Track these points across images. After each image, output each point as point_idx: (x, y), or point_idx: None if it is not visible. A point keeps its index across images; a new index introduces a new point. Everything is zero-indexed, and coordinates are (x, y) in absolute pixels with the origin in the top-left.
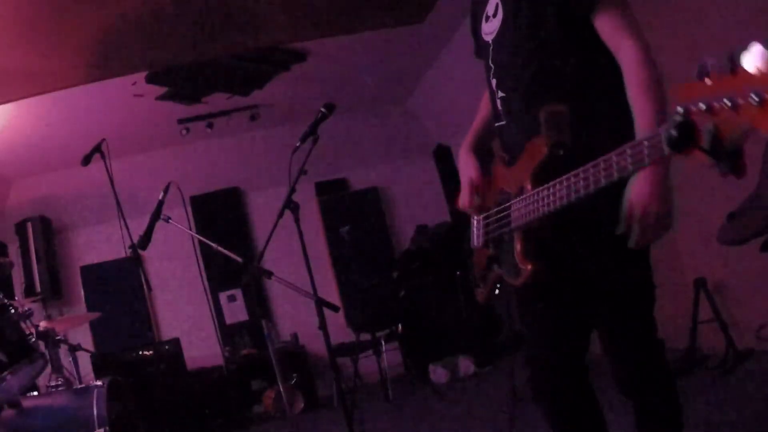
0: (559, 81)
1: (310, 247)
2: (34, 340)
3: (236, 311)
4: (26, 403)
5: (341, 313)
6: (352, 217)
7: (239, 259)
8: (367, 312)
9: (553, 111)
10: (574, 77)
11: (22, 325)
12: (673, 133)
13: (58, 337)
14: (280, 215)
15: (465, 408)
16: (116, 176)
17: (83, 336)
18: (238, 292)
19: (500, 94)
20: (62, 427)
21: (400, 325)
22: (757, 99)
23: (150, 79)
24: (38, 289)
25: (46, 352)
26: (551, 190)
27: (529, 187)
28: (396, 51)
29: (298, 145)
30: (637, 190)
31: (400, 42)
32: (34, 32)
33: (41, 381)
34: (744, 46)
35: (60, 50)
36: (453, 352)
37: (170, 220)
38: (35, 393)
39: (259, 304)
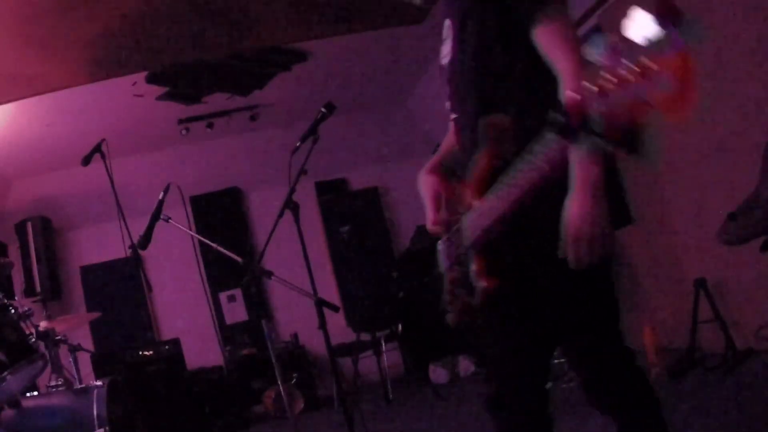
0: (503, 99)
1: (310, 247)
2: (34, 340)
3: (236, 311)
4: (26, 403)
5: (341, 313)
6: (352, 217)
7: (239, 259)
8: (367, 312)
9: (492, 122)
10: (518, 93)
11: (22, 325)
12: (559, 118)
13: (58, 337)
14: (280, 215)
15: (465, 408)
16: (116, 176)
17: (83, 336)
18: (238, 292)
19: (453, 115)
20: (62, 427)
21: (400, 325)
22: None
23: (150, 79)
24: (38, 289)
25: (46, 352)
26: (487, 203)
27: (475, 203)
28: (396, 51)
29: (298, 145)
30: (568, 212)
31: (400, 42)
32: (34, 32)
33: (41, 381)
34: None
35: (60, 50)
36: (453, 352)
37: (170, 220)
38: (35, 393)
39: (259, 304)
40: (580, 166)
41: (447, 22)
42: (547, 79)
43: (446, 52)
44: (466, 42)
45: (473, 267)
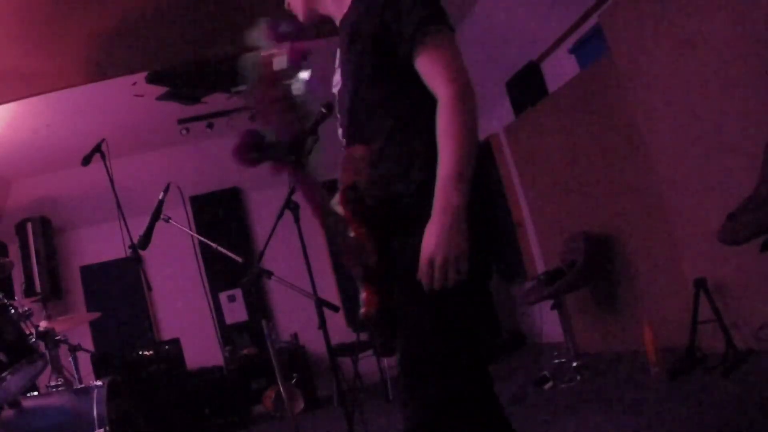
0: (374, 128)
1: (310, 247)
2: (34, 340)
3: (236, 311)
4: (26, 403)
5: (341, 313)
6: None
7: (239, 259)
8: None
9: (351, 153)
10: (386, 123)
11: (22, 325)
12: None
13: (58, 337)
14: (280, 215)
15: None
16: (116, 176)
17: (83, 336)
18: (238, 292)
19: (343, 142)
20: (62, 427)
21: None
22: None
23: (150, 79)
24: (38, 289)
25: (46, 352)
26: None
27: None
28: None
29: None
30: (424, 238)
31: None
32: (35, 32)
33: (41, 381)
34: None
35: (60, 50)
36: None
37: (170, 220)
38: (35, 393)
39: (259, 304)
40: (442, 192)
41: (338, 51)
42: (420, 109)
43: (336, 80)
44: (347, 72)
45: (361, 295)
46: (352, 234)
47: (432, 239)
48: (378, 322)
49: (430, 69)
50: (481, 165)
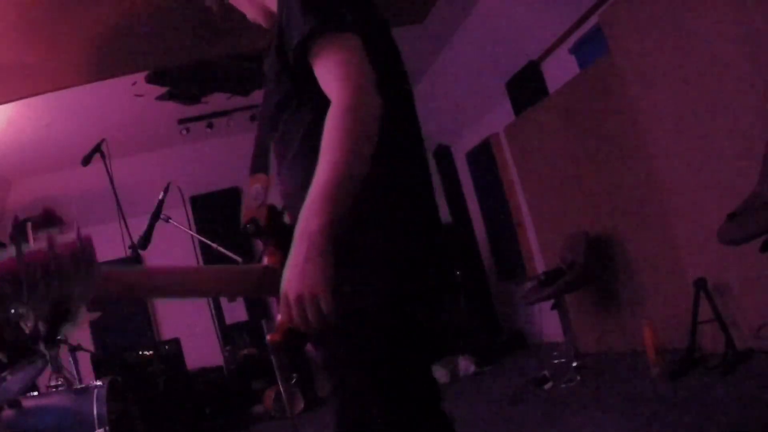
0: (282, 149)
1: None
2: None
3: (236, 311)
4: (26, 403)
5: None
6: None
7: (239, 259)
8: None
9: (251, 187)
10: (297, 137)
11: (22, 325)
12: None
13: (58, 337)
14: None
15: (465, 408)
16: (116, 176)
17: (83, 336)
18: None
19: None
20: (62, 427)
21: None
22: None
23: (150, 79)
24: None
25: (46, 352)
26: None
27: None
28: None
29: None
30: (285, 271)
31: (400, 42)
32: (35, 32)
33: (41, 381)
34: None
35: (60, 50)
36: (453, 352)
37: (170, 220)
38: (35, 393)
39: (259, 304)
40: (303, 215)
41: None
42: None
43: None
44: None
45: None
46: (265, 261)
47: (287, 273)
48: (285, 350)
49: (322, 70)
50: (413, 171)
